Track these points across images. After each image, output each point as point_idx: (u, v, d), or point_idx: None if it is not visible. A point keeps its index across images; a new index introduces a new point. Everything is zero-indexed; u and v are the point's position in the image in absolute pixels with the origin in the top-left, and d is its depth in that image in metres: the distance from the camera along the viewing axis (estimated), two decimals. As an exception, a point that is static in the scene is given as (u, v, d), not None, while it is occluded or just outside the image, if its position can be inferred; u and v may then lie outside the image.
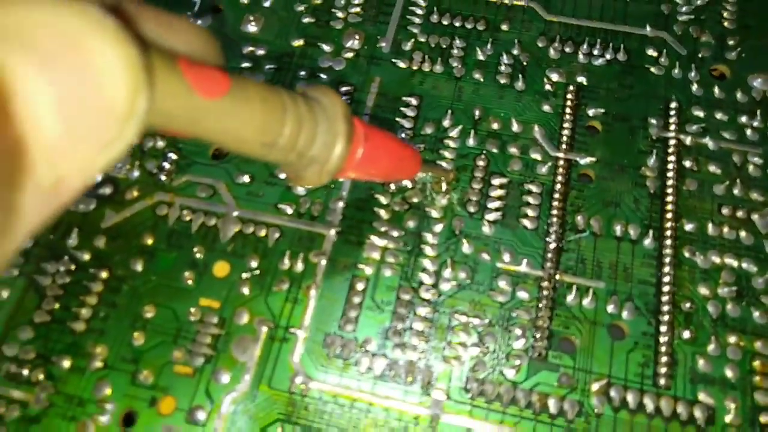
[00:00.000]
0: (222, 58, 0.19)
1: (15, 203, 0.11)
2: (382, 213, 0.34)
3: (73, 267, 0.34)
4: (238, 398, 0.30)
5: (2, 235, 0.11)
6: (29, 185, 0.11)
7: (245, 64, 0.39)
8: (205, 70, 0.17)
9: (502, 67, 0.38)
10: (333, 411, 0.30)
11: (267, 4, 0.41)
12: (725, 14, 0.40)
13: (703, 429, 0.29)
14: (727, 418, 0.29)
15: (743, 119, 0.36)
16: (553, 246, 0.33)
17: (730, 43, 0.38)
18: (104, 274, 0.33)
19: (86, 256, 0.34)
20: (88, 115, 0.12)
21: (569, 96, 0.37)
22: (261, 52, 0.40)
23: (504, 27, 0.39)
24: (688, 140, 0.35)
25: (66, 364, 0.31)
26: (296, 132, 0.21)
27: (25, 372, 0.31)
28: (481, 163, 0.35)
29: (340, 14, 0.41)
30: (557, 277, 0.32)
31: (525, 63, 0.38)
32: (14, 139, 0.11)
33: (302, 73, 0.39)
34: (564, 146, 0.35)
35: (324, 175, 0.23)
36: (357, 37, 0.40)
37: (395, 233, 0.33)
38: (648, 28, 0.39)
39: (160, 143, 0.37)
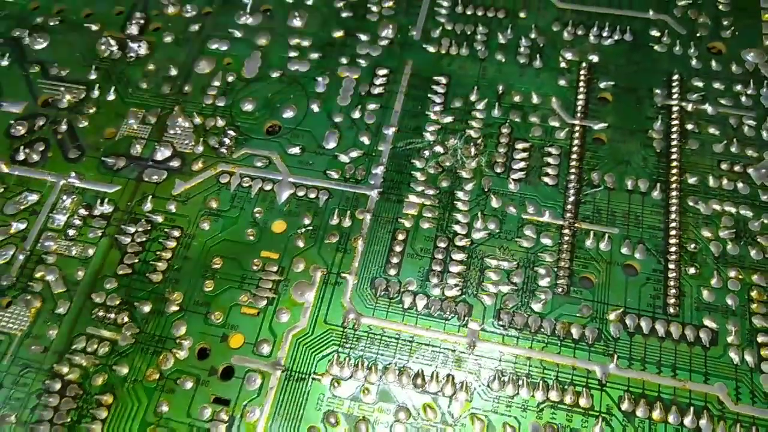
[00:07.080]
0: None
1: None
2: (419, 175, 0.39)
3: (149, 227, 0.38)
4: (298, 333, 0.35)
5: None
6: None
7: (293, 54, 0.44)
8: None
9: (522, 49, 0.43)
10: (381, 341, 0.34)
11: (310, 2, 0.47)
12: (720, -2, 0.44)
13: (707, 348, 0.33)
14: (729, 339, 0.33)
15: (738, 88, 0.40)
16: (572, 199, 0.37)
17: (725, 23, 0.43)
18: (176, 233, 0.38)
19: (160, 219, 0.39)
20: None
21: (582, 72, 0.41)
22: (306, 43, 0.45)
23: (522, 15, 0.44)
24: (689, 107, 0.40)
25: (146, 308, 0.36)
26: None
27: (112, 315, 0.36)
28: (505, 130, 0.40)
29: (374, 8, 0.46)
30: (576, 225, 0.36)
31: (542, 45, 0.43)
32: None
33: (343, 60, 0.44)
34: (579, 115, 0.40)
35: None
36: (391, 27, 0.45)
37: (431, 192, 0.38)
38: (651, 12, 0.44)
39: (221, 122, 0.42)
